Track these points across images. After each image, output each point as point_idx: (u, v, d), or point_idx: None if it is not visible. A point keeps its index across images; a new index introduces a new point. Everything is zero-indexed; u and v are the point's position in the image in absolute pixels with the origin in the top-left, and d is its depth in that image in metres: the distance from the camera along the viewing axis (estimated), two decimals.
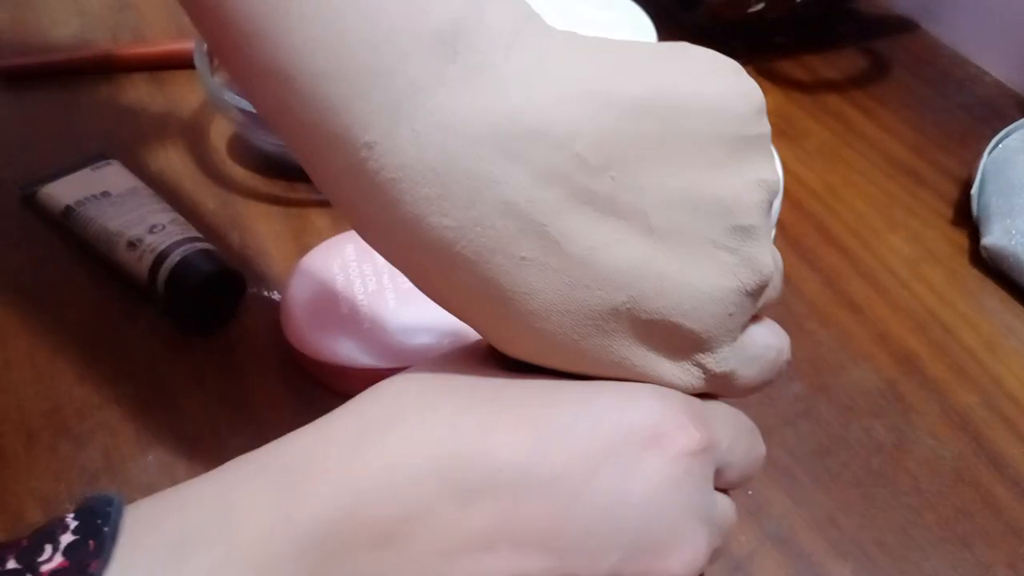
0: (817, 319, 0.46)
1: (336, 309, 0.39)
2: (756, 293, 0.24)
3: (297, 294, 0.39)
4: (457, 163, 0.20)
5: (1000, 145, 0.52)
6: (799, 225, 0.51)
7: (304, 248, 0.43)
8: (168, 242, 0.41)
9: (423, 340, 0.38)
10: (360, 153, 0.20)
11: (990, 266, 0.49)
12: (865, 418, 0.42)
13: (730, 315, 0.24)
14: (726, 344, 0.24)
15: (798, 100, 0.61)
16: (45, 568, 0.19)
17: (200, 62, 0.47)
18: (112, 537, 0.20)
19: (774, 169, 0.24)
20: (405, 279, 0.40)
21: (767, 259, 0.24)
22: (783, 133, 0.58)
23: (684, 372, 0.24)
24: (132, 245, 0.41)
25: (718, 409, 0.26)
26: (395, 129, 0.20)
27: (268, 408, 0.40)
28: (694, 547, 0.24)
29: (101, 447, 0.38)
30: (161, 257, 0.40)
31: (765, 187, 0.24)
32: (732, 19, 0.63)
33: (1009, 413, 0.42)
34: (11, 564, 0.19)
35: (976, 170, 0.52)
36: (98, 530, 0.20)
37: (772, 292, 0.26)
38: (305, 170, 0.22)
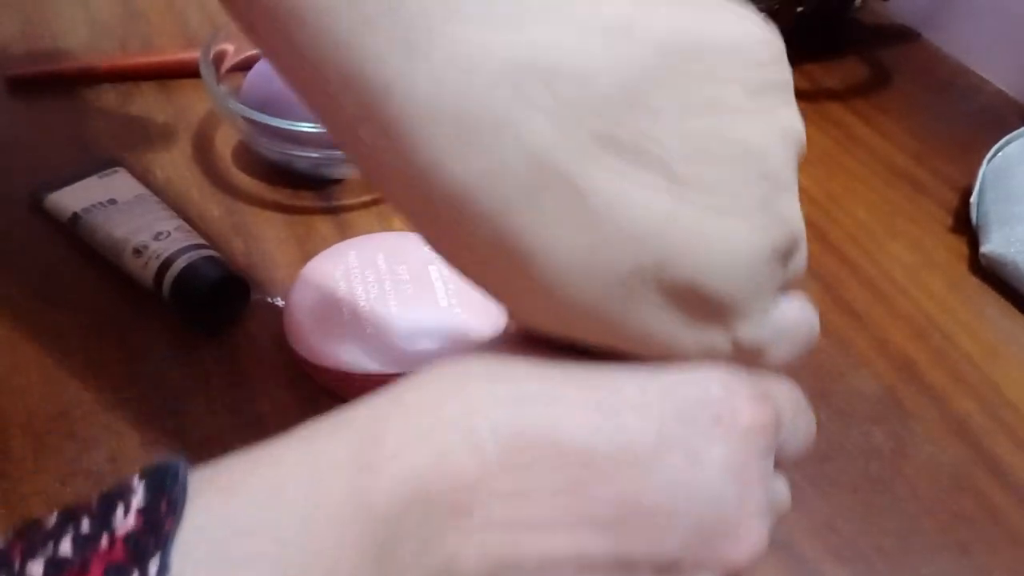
0: None
1: (339, 315, 0.39)
2: (787, 254, 0.23)
3: (300, 300, 0.40)
4: (477, 103, 0.19)
5: (1000, 153, 0.52)
6: None
7: (308, 255, 0.43)
8: (173, 249, 0.41)
9: (426, 345, 0.38)
10: (376, 98, 0.19)
11: (989, 274, 0.50)
12: (864, 424, 0.42)
13: (758, 281, 0.23)
14: (757, 314, 0.23)
15: (800, 108, 0.61)
16: (120, 531, 0.19)
17: (206, 71, 0.47)
18: (183, 497, 0.20)
19: (798, 118, 0.23)
20: (408, 285, 0.40)
21: (798, 216, 0.23)
22: None
23: (715, 340, 0.23)
24: (138, 252, 0.42)
25: (779, 385, 0.25)
26: (411, 66, 0.19)
27: (273, 413, 0.40)
28: (758, 535, 0.23)
29: (107, 450, 0.39)
30: (166, 264, 0.41)
31: (792, 136, 0.23)
32: None
33: (1008, 420, 0.43)
34: (85, 526, 0.19)
35: (976, 178, 0.52)
36: (169, 491, 0.20)
37: (800, 262, 0.25)
38: (316, 119, 0.22)
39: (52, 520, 0.20)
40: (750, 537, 0.23)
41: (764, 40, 0.22)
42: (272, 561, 0.20)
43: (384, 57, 0.19)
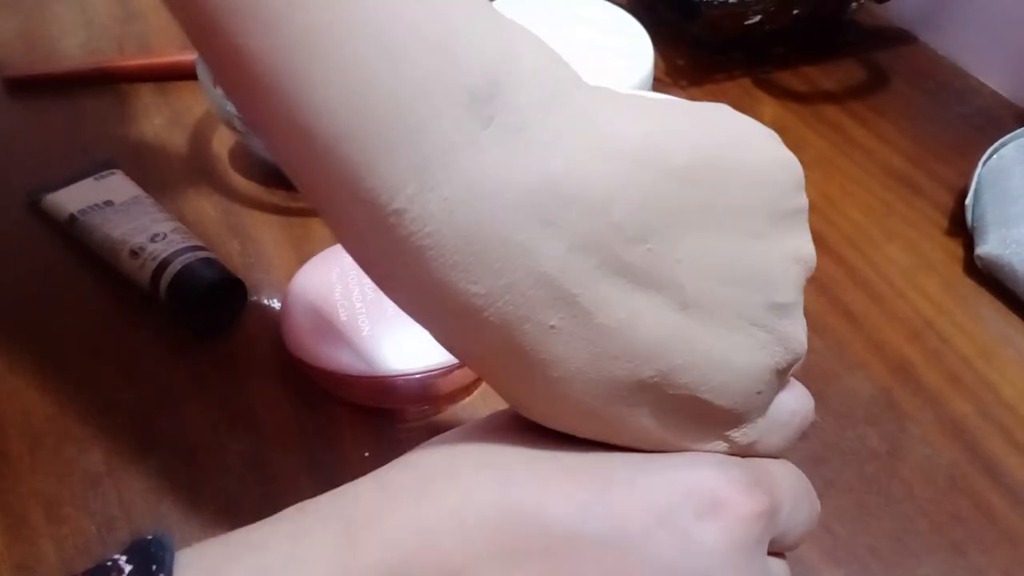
0: (813, 327, 0.45)
1: (335, 317, 0.39)
2: (787, 370, 0.24)
3: (297, 302, 0.40)
4: (489, 230, 0.19)
5: (996, 155, 0.52)
6: None
7: (305, 256, 0.43)
8: (170, 250, 0.41)
9: (422, 348, 0.38)
10: (389, 219, 0.19)
11: (985, 276, 0.50)
12: (860, 426, 0.42)
13: (759, 393, 0.23)
14: (752, 422, 0.24)
15: (796, 111, 0.62)
16: None
17: (202, 73, 0.47)
18: (169, 571, 0.20)
19: (811, 244, 0.24)
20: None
21: (802, 336, 0.24)
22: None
23: (712, 444, 0.24)
24: (135, 254, 0.42)
25: (777, 468, 0.25)
26: (425, 194, 0.19)
27: (269, 414, 0.40)
28: None
29: (103, 451, 0.39)
30: (163, 265, 0.41)
31: (803, 262, 0.23)
32: (731, 31, 0.63)
33: (1004, 421, 0.43)
34: None
35: (971, 180, 0.52)
36: (153, 557, 0.20)
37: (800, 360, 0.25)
38: (325, 224, 0.22)
39: None
40: None
41: (784, 165, 0.23)
42: None
43: (400, 185, 0.19)
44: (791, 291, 0.23)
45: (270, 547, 0.21)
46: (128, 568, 0.20)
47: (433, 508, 0.22)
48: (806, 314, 0.25)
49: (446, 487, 0.22)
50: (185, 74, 0.56)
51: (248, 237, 0.48)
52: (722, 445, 0.24)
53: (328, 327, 0.39)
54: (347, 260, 0.42)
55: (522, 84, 0.20)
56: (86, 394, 0.41)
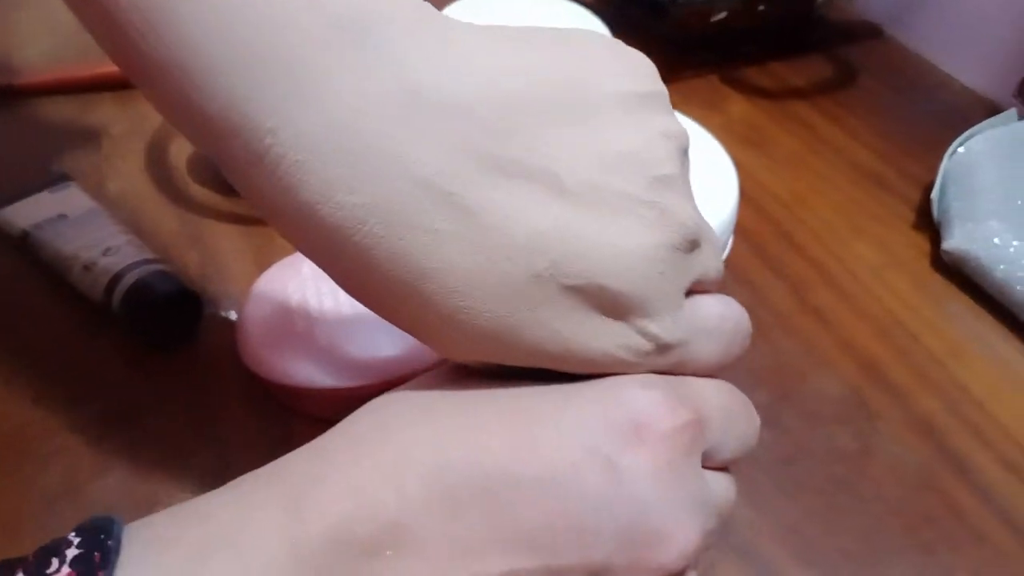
0: (781, 327, 0.46)
1: (291, 329, 0.38)
2: (686, 249, 0.24)
3: (253, 314, 0.39)
4: (361, 142, 0.20)
5: (962, 148, 0.52)
6: (765, 233, 0.51)
7: (265, 266, 0.43)
8: (122, 264, 0.40)
9: (379, 358, 0.37)
10: (264, 140, 0.20)
11: (953, 271, 0.49)
12: (829, 426, 0.42)
13: (661, 274, 0.23)
14: (668, 310, 0.24)
15: (765, 108, 0.61)
16: None
17: None
18: (116, 549, 0.21)
19: (678, 122, 0.24)
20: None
21: (690, 211, 0.24)
22: (750, 141, 0.58)
23: (629, 341, 0.24)
24: (87, 268, 0.41)
25: (706, 385, 0.26)
26: (297, 112, 0.20)
27: (230, 428, 0.40)
28: (685, 536, 0.23)
29: (62, 468, 0.38)
30: (115, 279, 0.40)
31: (672, 137, 0.24)
32: (698, 29, 0.63)
33: (973, 418, 0.42)
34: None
35: (936, 174, 0.52)
36: (102, 543, 0.21)
37: (712, 264, 0.25)
38: (207, 154, 0.22)
39: None
40: (678, 538, 0.23)
41: (637, 59, 0.24)
42: None
43: (273, 106, 0.20)
44: (667, 165, 0.23)
45: (216, 519, 0.22)
46: (77, 540, 0.21)
47: (369, 468, 0.23)
48: (776, 312, 0.25)
49: (380, 447, 0.23)
50: None
51: (207, 247, 0.47)
52: (644, 343, 0.24)
53: (284, 340, 0.38)
54: (305, 270, 0.41)
55: (386, 9, 0.21)
56: (43, 412, 0.40)
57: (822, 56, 0.67)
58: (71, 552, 0.20)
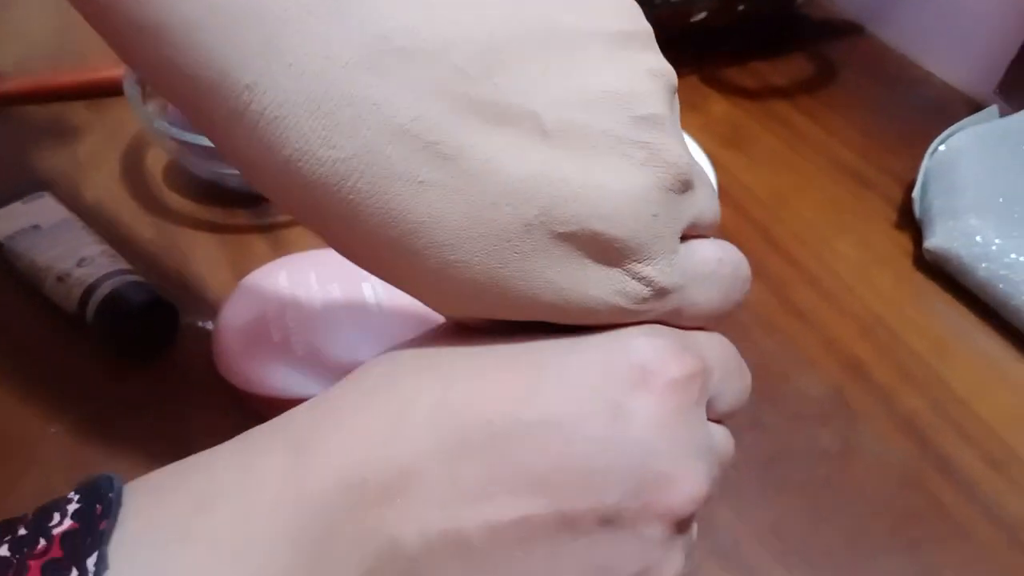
0: (763, 327, 0.45)
1: (268, 339, 0.38)
2: (678, 190, 0.23)
3: (229, 323, 0.39)
4: (336, 90, 0.20)
5: (943, 146, 0.52)
6: (746, 233, 0.51)
7: (242, 274, 0.42)
8: (96, 275, 0.40)
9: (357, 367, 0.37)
10: (242, 96, 0.20)
11: (934, 269, 0.49)
12: (811, 426, 0.41)
13: (654, 216, 0.23)
14: (663, 254, 0.23)
15: (746, 107, 0.61)
16: (56, 531, 0.20)
17: (130, 91, 0.46)
18: (117, 501, 0.21)
19: (664, 61, 0.23)
20: (340, 304, 0.39)
21: (681, 151, 0.23)
22: (730, 141, 0.58)
23: (626, 287, 0.23)
24: (61, 279, 0.40)
25: (705, 338, 0.26)
26: (272, 66, 0.20)
27: (206, 437, 0.38)
28: (694, 480, 0.23)
29: (36, 479, 0.37)
30: (89, 291, 0.39)
31: (659, 75, 0.23)
32: (678, 29, 0.63)
33: (955, 415, 0.42)
34: (21, 531, 0.20)
35: (918, 171, 0.52)
36: (102, 496, 0.21)
37: (707, 207, 0.25)
38: (190, 120, 0.22)
39: None
40: (687, 482, 0.23)
41: (616, 1, 0.23)
42: (206, 564, 0.20)
43: (248, 61, 0.20)
44: (654, 103, 0.23)
45: (219, 468, 0.22)
46: (76, 497, 0.21)
47: (376, 416, 0.23)
48: (757, 313, 0.25)
49: (386, 395, 0.23)
50: (119, 89, 0.55)
51: (183, 256, 0.46)
52: (641, 288, 0.23)
53: (260, 350, 0.38)
54: (281, 279, 0.41)
55: None
56: (16, 425, 0.39)
57: (803, 54, 0.67)
58: (71, 507, 0.21)
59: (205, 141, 0.44)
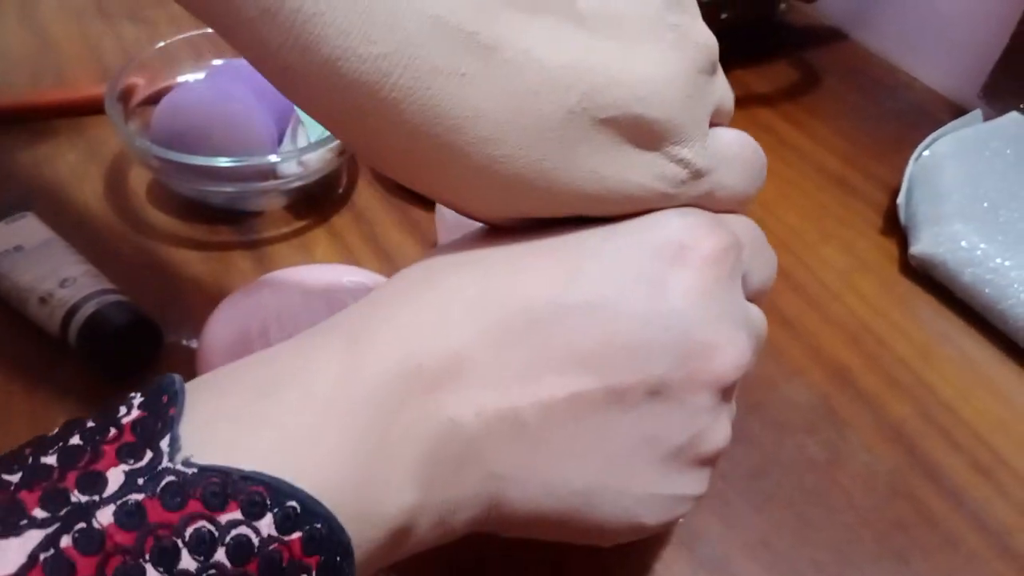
0: None
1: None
2: (709, 71, 0.24)
3: (212, 342, 0.38)
4: None
5: (927, 151, 0.52)
6: None
7: (226, 292, 0.42)
8: (79, 296, 0.40)
9: None
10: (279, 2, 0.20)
11: (920, 275, 0.49)
12: (798, 435, 0.41)
13: (689, 97, 0.23)
14: (697, 136, 0.24)
15: None
16: (125, 420, 0.20)
17: (112, 110, 0.46)
18: (182, 391, 0.21)
19: None
20: (322, 322, 0.39)
21: (707, 32, 0.24)
22: None
23: (665, 170, 0.24)
24: (43, 300, 0.40)
25: (733, 218, 0.27)
26: None
27: None
28: (738, 347, 0.24)
29: None
30: (72, 311, 0.39)
31: None
32: None
33: (943, 422, 0.42)
34: (90, 424, 0.21)
35: (902, 176, 0.52)
36: (167, 388, 0.21)
37: (726, 95, 0.26)
38: (214, 29, 0.22)
39: (55, 431, 0.21)
40: (730, 349, 0.24)
41: None
42: (276, 447, 0.21)
43: None
44: None
45: (277, 364, 0.23)
46: (140, 393, 0.22)
47: (423, 310, 0.23)
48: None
49: (430, 290, 0.24)
50: (100, 107, 0.54)
51: (166, 275, 0.46)
52: (675, 169, 0.24)
53: None
54: (264, 296, 0.40)
55: None
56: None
57: (786, 61, 0.67)
58: (136, 400, 0.21)
59: (187, 158, 0.44)
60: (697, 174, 0.24)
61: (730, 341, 0.24)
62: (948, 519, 0.38)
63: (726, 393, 0.25)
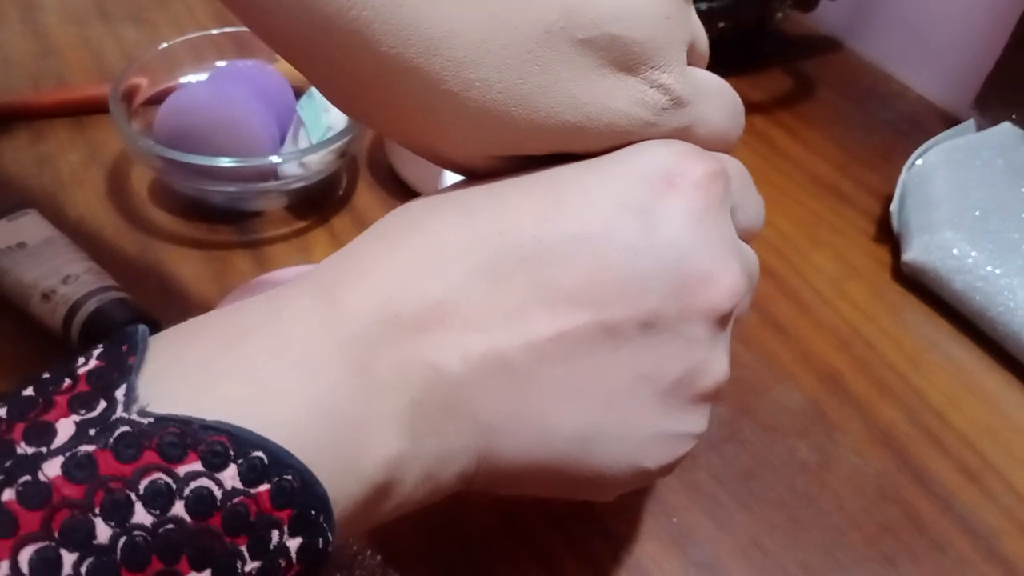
0: (740, 340, 0.46)
1: None
2: None
3: None
4: None
5: (920, 160, 0.53)
6: None
7: (226, 290, 0.43)
8: (82, 292, 0.40)
9: None
10: None
11: (912, 282, 0.50)
12: (789, 438, 0.42)
13: (668, 18, 0.23)
14: (676, 62, 0.24)
15: None
16: (82, 370, 0.19)
17: (115, 109, 0.46)
18: (144, 341, 0.20)
19: None
20: None
21: None
22: None
23: (645, 96, 0.23)
24: (46, 297, 0.41)
25: (719, 153, 0.26)
26: None
27: None
28: (731, 273, 0.24)
29: None
30: (74, 308, 0.40)
31: None
32: None
33: (932, 427, 0.43)
34: (46, 375, 0.20)
35: (896, 186, 0.52)
36: (127, 337, 0.20)
37: (700, 35, 0.26)
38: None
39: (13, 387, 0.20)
40: (724, 277, 0.23)
41: None
42: (239, 395, 0.20)
43: None
44: None
45: (246, 314, 0.22)
46: (100, 344, 0.20)
47: (404, 254, 0.23)
48: (735, 326, 0.26)
49: (412, 235, 0.23)
50: (102, 107, 0.55)
51: (167, 273, 0.47)
52: (655, 95, 0.23)
53: None
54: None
55: None
56: None
57: (780, 70, 0.68)
58: (96, 351, 0.20)
59: (189, 158, 0.45)
60: (679, 102, 0.24)
61: (724, 268, 0.23)
62: (936, 523, 0.39)
63: (722, 323, 0.24)
